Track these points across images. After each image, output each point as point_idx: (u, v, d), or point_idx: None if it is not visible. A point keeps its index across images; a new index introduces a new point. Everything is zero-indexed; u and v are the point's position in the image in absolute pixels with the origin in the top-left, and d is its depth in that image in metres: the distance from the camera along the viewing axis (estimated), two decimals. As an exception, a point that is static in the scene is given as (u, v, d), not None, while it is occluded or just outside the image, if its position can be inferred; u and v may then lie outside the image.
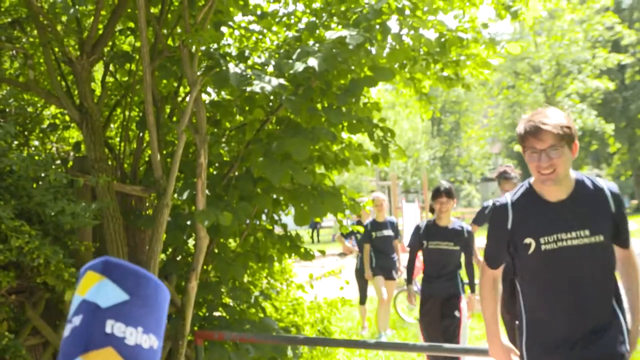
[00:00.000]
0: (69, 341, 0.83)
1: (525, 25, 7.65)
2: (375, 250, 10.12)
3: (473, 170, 43.73)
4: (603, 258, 3.27)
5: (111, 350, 0.82)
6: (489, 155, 45.29)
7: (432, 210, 6.66)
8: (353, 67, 6.16)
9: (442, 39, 6.53)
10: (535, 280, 3.36)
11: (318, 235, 33.03)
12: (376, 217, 10.26)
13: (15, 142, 5.62)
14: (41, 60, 6.34)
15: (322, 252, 7.78)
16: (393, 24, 6.35)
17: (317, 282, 8.88)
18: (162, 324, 0.87)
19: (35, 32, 5.92)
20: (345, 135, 6.69)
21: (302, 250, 6.84)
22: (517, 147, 37.88)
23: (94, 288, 0.84)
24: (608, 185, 3.32)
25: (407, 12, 6.28)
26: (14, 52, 6.17)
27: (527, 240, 3.27)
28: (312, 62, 5.48)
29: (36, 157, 5.00)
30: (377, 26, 6.04)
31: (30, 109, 6.25)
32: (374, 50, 6.09)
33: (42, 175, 4.83)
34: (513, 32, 36.05)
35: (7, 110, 5.97)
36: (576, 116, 30.71)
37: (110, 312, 0.83)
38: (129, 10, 6.03)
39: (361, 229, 9.76)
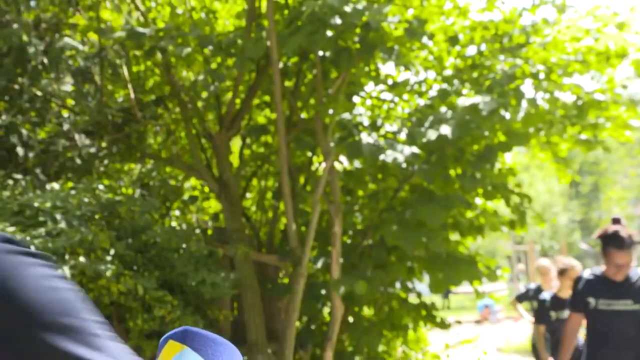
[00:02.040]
0: None
1: (666, 82, 7.31)
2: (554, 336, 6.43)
3: (615, 233, 41.72)
4: None
5: None
6: (632, 217, 43.23)
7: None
8: (487, 133, 6.08)
9: (579, 102, 6.36)
10: None
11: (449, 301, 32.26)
12: (558, 292, 6.61)
13: (158, 214, 5.86)
14: (182, 135, 6.64)
15: (459, 322, 7.60)
16: (527, 87, 6.24)
17: (453, 351, 8.65)
18: None
19: (177, 108, 6.22)
20: (479, 200, 6.57)
21: (438, 319, 6.70)
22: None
23: (177, 356, 0.89)
24: None
25: (542, 75, 6.17)
26: (157, 128, 6.50)
27: None
28: (445, 129, 5.45)
29: (177, 229, 5.20)
30: (511, 91, 5.96)
31: (172, 182, 6.53)
32: (508, 115, 5.99)
33: (184, 246, 5.01)
34: (653, 88, 34.65)
35: (152, 183, 6.26)
36: None
37: None
38: (264, 84, 6.24)
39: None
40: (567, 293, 6.22)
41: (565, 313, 6.18)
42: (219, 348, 0.92)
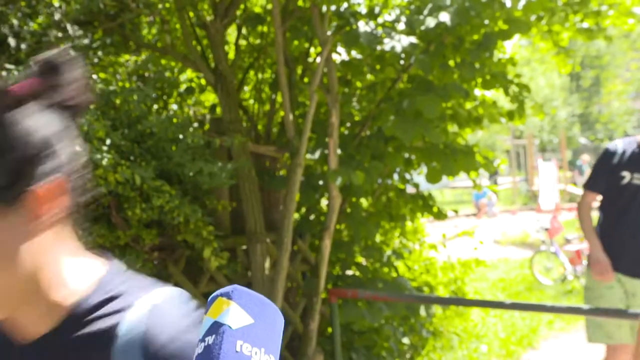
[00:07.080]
0: (203, 357, 0.92)
1: (673, -30, 7.11)
2: None
3: (614, 128, 41.66)
4: None
5: None
6: (631, 111, 43.06)
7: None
8: (487, 21, 5.96)
9: (582, -12, 6.21)
10: None
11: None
12: None
13: (155, 106, 5.81)
14: (177, 26, 6.52)
15: (456, 212, 7.68)
16: (529, -26, 6.08)
17: (450, 242, 8.78)
18: (279, 346, 0.97)
19: (171, -3, 6.08)
20: (478, 92, 6.52)
21: (435, 209, 6.77)
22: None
23: (225, 312, 0.94)
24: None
25: (544, -39, 6.00)
26: (151, 17, 6.37)
27: None
28: (444, 16, 5.35)
29: (174, 120, 5.17)
30: (512, -23, 5.81)
31: (167, 74, 6.44)
32: (508, 2, 5.86)
33: (180, 137, 4.99)
34: (659, -21, 33.88)
35: (147, 74, 6.18)
36: None
37: (239, 333, 0.92)
38: (259, -28, 6.08)
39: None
40: None
41: None
42: (264, 308, 0.96)
